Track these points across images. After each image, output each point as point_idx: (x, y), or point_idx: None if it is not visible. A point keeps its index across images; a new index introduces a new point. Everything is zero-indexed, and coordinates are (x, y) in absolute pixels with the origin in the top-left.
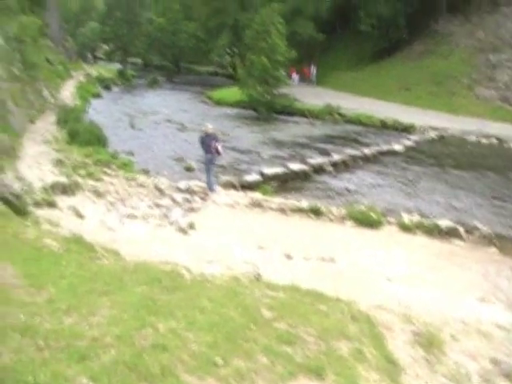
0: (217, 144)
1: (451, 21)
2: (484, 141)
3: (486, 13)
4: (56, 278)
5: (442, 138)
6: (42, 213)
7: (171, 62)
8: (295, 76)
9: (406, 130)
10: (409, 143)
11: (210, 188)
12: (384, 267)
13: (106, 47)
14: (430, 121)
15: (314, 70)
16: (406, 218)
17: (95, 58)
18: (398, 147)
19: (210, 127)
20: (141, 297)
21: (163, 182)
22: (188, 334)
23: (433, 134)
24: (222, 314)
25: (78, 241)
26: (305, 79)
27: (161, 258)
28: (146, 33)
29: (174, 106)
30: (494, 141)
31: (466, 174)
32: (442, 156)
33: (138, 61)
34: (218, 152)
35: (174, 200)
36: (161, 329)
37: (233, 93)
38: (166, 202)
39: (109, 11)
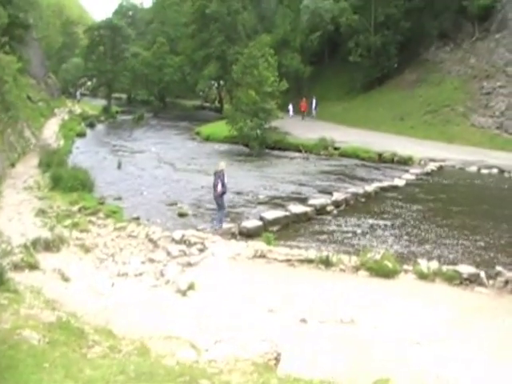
0: (217, 182)
1: (442, 48)
2: (484, 171)
3: (478, 40)
4: None
5: (441, 170)
6: (23, 277)
7: (157, 97)
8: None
9: (405, 162)
10: (409, 177)
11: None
12: (409, 327)
13: (89, 83)
14: (427, 151)
15: (314, 103)
16: (424, 266)
17: (80, 94)
18: (399, 182)
19: (221, 164)
20: None
21: (156, 232)
22: None
23: (432, 166)
24: None
25: (63, 326)
26: (301, 112)
27: (160, 333)
28: (131, 67)
29: (162, 143)
30: (495, 171)
31: (473, 211)
32: (445, 190)
33: (123, 96)
34: (217, 191)
35: (168, 253)
36: None
37: (221, 128)
38: (160, 255)
39: (92, 46)
